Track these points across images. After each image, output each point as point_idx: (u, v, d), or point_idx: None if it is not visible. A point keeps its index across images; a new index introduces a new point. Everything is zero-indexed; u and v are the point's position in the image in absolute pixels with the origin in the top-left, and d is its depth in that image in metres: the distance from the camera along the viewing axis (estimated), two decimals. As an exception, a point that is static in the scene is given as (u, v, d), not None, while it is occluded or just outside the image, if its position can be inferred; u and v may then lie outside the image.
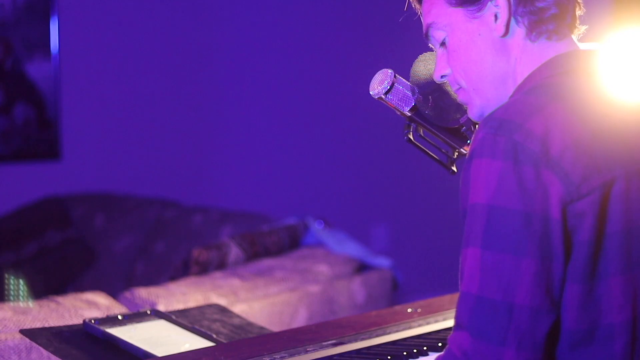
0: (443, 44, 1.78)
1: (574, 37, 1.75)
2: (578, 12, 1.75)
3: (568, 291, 1.57)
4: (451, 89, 1.86)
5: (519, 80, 1.72)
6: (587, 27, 1.77)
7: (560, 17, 1.71)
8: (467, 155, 1.62)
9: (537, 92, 1.64)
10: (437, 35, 1.78)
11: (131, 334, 2.14)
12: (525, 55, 1.72)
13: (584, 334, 1.58)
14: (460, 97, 1.79)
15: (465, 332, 1.55)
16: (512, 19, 1.71)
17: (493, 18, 1.71)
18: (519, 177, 1.54)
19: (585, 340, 1.58)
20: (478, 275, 1.55)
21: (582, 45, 1.75)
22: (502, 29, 1.71)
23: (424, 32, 1.80)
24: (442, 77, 1.80)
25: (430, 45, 1.82)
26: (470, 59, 1.73)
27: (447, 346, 1.59)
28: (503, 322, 1.53)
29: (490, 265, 1.55)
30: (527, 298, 1.53)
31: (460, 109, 1.86)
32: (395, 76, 1.89)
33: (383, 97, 1.89)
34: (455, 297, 2.37)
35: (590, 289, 1.57)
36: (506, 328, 1.53)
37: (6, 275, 4.35)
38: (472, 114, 1.79)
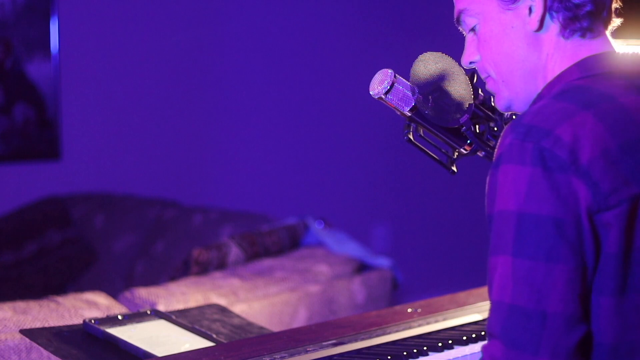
0: (473, 30, 1.76)
1: (608, 32, 1.73)
2: (614, 6, 1.73)
3: (594, 303, 1.55)
4: (451, 89, 1.86)
5: (549, 77, 1.71)
6: (622, 20, 1.75)
7: (596, 14, 1.69)
8: (494, 160, 1.59)
9: (566, 97, 1.61)
10: (469, 21, 1.76)
11: (131, 334, 2.14)
12: (557, 52, 1.70)
13: (607, 348, 1.56)
14: (488, 86, 1.78)
15: (498, 341, 1.53)
16: (547, 14, 1.69)
17: (527, 11, 1.70)
18: (550, 182, 1.52)
19: (608, 355, 1.56)
20: (510, 284, 1.53)
21: (616, 46, 1.73)
22: (536, 24, 1.69)
23: (455, 17, 1.79)
24: (470, 63, 1.79)
25: (460, 29, 1.81)
26: (502, 51, 1.72)
27: (481, 356, 1.57)
28: (536, 330, 1.51)
29: (522, 273, 1.52)
30: (560, 305, 1.51)
31: (460, 108, 1.86)
32: (395, 76, 1.89)
33: (383, 97, 1.89)
34: (455, 297, 2.38)
35: (618, 303, 1.55)
36: (539, 336, 1.51)
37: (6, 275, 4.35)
38: (500, 105, 1.78)
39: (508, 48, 1.71)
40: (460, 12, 1.77)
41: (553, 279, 1.51)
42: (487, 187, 1.60)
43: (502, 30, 1.71)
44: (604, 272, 1.54)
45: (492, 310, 1.56)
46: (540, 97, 1.70)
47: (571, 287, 1.52)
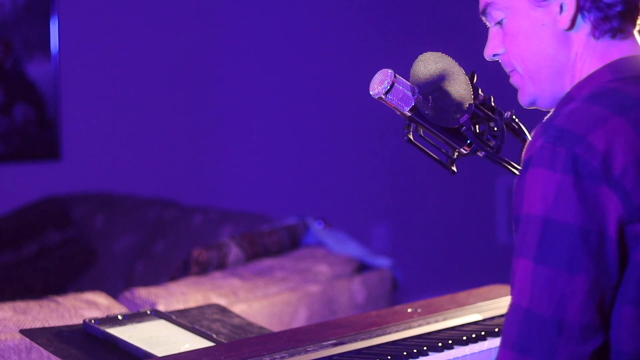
0: (500, 23, 1.75)
1: (636, 32, 1.72)
2: None
3: (617, 312, 1.54)
4: (451, 89, 1.86)
5: (577, 76, 1.69)
6: None
7: (627, 14, 1.68)
8: (523, 161, 1.58)
9: (599, 101, 1.59)
10: (495, 14, 1.74)
11: (131, 334, 2.14)
12: (586, 52, 1.69)
13: (628, 357, 1.55)
14: (513, 80, 1.77)
15: (512, 352, 1.53)
16: (579, 13, 1.67)
17: (558, 9, 1.68)
18: (579, 191, 1.51)
19: None
20: (529, 289, 1.53)
21: None
22: (567, 23, 1.68)
23: (481, 8, 1.77)
24: (494, 55, 1.77)
25: (484, 20, 1.79)
26: (530, 48, 1.70)
27: None
28: (552, 338, 1.51)
29: (543, 280, 1.52)
30: (577, 315, 1.51)
31: (460, 108, 1.86)
32: (395, 76, 1.88)
33: (383, 97, 1.88)
34: (455, 297, 2.38)
35: None
36: (555, 344, 1.50)
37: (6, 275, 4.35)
38: (523, 100, 1.76)
39: (537, 45, 1.70)
40: (487, 5, 1.75)
41: (573, 289, 1.51)
42: (515, 188, 1.59)
43: (531, 27, 1.69)
44: (630, 281, 1.53)
45: (510, 312, 1.56)
46: (569, 97, 1.69)
47: (590, 298, 1.51)
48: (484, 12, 1.77)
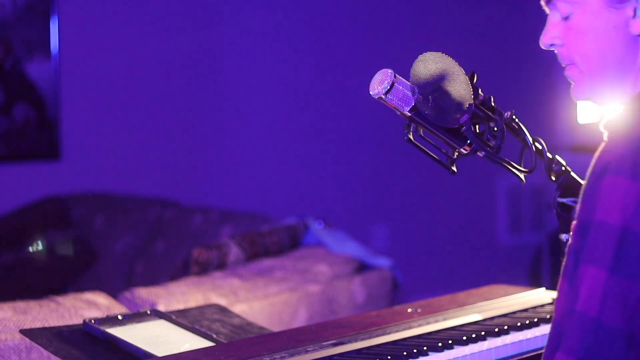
0: (566, 17, 1.70)
1: None
2: None
3: None
4: (451, 89, 1.85)
5: None
6: None
7: None
8: (597, 165, 1.56)
9: None
10: (563, 8, 1.70)
11: (131, 334, 2.14)
12: None
13: None
14: (569, 73, 1.73)
15: (570, 358, 1.51)
16: None
17: (632, 13, 1.65)
18: None
19: None
20: (599, 298, 1.50)
21: None
22: None
23: None
24: (551, 45, 1.73)
25: (544, 7, 1.75)
26: (598, 48, 1.67)
27: None
28: (621, 351, 1.49)
29: (616, 291, 1.49)
30: None
31: (460, 108, 1.86)
32: (395, 76, 1.88)
33: (383, 97, 1.88)
34: (455, 297, 2.38)
35: None
36: (624, 357, 1.49)
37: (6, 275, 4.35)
38: (577, 95, 1.74)
39: (605, 47, 1.67)
40: None
41: None
42: (584, 191, 1.56)
43: (603, 29, 1.66)
44: None
45: (572, 321, 1.53)
46: None
47: None
48: (549, 2, 1.73)
